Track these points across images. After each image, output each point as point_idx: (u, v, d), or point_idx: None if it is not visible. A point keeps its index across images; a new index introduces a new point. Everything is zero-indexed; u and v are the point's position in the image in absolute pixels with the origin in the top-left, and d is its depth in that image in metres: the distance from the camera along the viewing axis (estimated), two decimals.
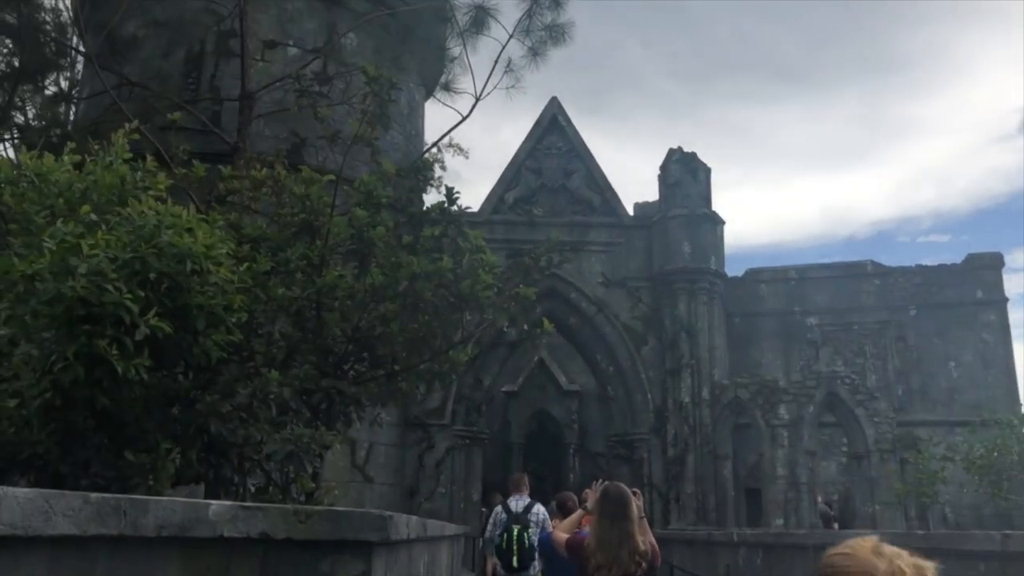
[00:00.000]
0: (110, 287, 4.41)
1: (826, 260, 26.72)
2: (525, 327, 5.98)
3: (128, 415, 4.75)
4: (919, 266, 26.81)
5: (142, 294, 4.54)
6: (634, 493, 5.41)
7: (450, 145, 9.91)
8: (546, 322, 5.96)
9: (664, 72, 75.04)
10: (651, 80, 73.77)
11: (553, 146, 18.87)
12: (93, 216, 4.75)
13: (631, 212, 19.14)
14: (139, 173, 5.51)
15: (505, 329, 5.73)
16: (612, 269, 18.31)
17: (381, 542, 3.43)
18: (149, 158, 5.56)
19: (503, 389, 23.42)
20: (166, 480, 4.62)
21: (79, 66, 13.50)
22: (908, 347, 25.93)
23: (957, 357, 25.44)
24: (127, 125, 5.60)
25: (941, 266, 26.51)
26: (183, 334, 4.65)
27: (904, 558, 1.67)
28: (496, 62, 10.55)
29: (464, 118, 10.74)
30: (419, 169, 5.62)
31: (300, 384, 5.35)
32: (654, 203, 19.22)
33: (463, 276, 5.65)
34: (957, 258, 26.50)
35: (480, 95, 10.45)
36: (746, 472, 21.22)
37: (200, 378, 4.93)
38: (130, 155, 5.69)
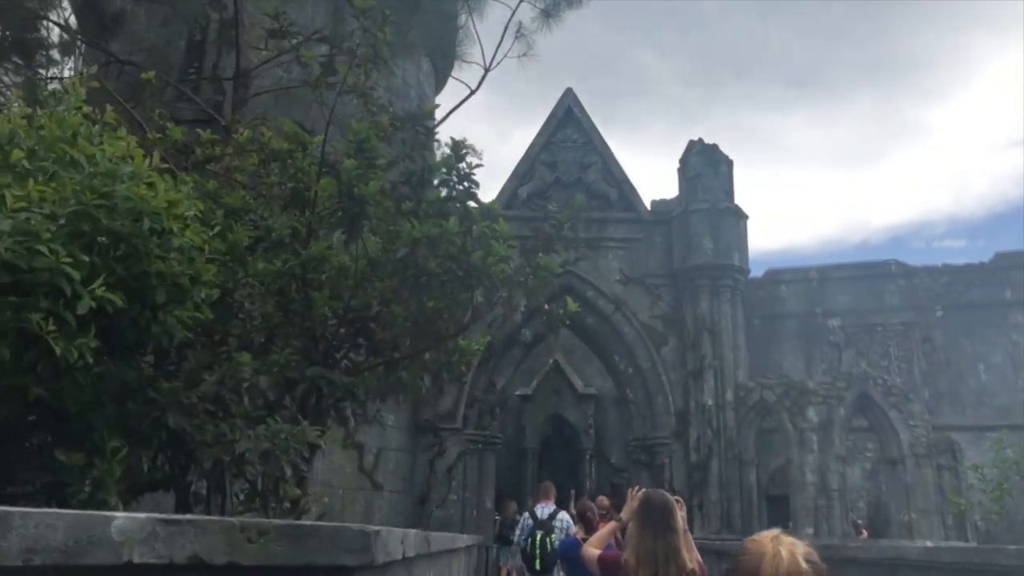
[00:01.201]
0: (43, 248, 3.54)
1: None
2: (546, 306, 5.07)
3: (70, 407, 3.88)
4: (945, 265, 25.72)
5: (87, 259, 3.67)
6: (677, 502, 4.55)
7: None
8: (570, 301, 5.05)
9: (676, 77, 74.16)
10: (663, 85, 72.88)
11: (568, 139, 17.98)
12: (26, 163, 3.88)
13: (648, 209, 18.23)
14: (96, 126, 4.66)
15: (522, 310, 4.75)
16: (631, 266, 17.38)
17: (363, 566, 2.55)
18: (108, 108, 4.68)
19: (517, 392, 22.49)
20: (112, 486, 3.75)
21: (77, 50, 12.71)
22: (935, 349, 24.84)
23: (986, 359, 24.34)
24: (84, 71, 4.77)
25: (968, 265, 25.41)
26: (139, 309, 3.79)
27: (798, 547, 2.11)
28: (506, 28, 9.70)
29: (473, 91, 9.87)
30: (418, 118, 4.74)
31: (280, 372, 4.46)
32: (672, 200, 18.26)
33: (473, 246, 4.76)
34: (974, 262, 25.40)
35: (489, 66, 9.58)
36: (767, 478, 20.25)
37: (161, 363, 4.06)
38: (87, 108, 4.84)
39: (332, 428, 5.35)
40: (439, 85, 17.99)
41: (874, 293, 25.41)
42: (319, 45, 8.39)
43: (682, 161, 17.85)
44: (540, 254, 4.86)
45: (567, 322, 5.07)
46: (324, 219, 4.87)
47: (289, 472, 4.14)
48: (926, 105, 67.29)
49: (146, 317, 3.74)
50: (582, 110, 18.08)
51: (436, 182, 4.80)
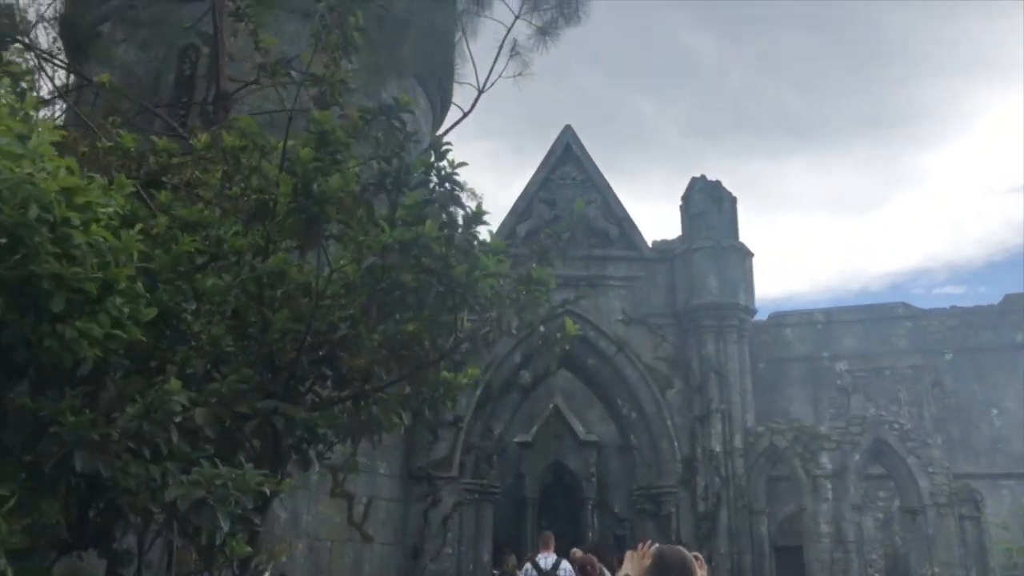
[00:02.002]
0: None
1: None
2: (541, 328, 4.30)
3: None
4: (953, 308, 25.00)
5: None
6: (696, 558, 3.73)
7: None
8: (569, 322, 4.28)
9: (675, 127, 74.27)
10: (662, 134, 72.95)
11: (567, 176, 17.36)
12: None
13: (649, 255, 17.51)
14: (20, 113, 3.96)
15: (513, 331, 3.96)
16: (633, 305, 16.61)
17: None
18: (30, 96, 3.98)
19: (516, 439, 21.53)
20: None
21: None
22: (946, 393, 23.98)
23: (999, 404, 23.46)
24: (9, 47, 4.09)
25: (977, 307, 24.69)
26: (32, 320, 3.04)
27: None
28: (500, 47, 9.06)
29: (466, 113, 9.25)
30: (393, 111, 4.03)
31: (222, 404, 3.69)
32: (674, 240, 17.57)
33: (457, 259, 4.03)
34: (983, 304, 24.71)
35: (483, 87, 8.95)
36: (776, 528, 19.25)
37: (63, 390, 3.29)
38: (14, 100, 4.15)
39: (294, 473, 4.54)
40: (437, 119, 17.46)
41: (881, 336, 24.62)
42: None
43: (684, 198, 17.21)
44: (534, 265, 4.11)
45: (567, 347, 4.29)
46: (286, 229, 4.14)
47: (226, 526, 3.34)
48: (922, 152, 67.23)
49: (44, 329, 2.99)
50: (581, 147, 17.51)
51: (413, 184, 4.08)
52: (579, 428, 21.37)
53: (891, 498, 23.08)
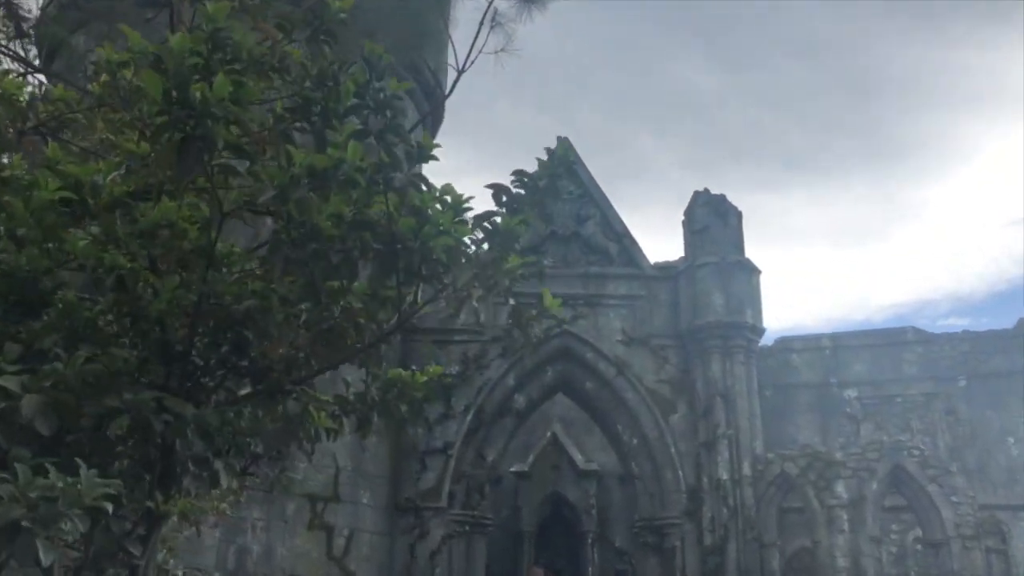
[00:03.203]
0: None
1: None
2: (510, 300, 3.26)
3: None
4: (966, 332, 23.90)
5: None
6: None
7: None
8: (549, 295, 3.22)
9: (674, 160, 73.62)
10: (662, 167, 72.28)
11: (564, 190, 16.40)
12: None
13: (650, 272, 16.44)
14: None
15: (475, 304, 2.91)
16: (633, 326, 15.55)
17: None
18: None
19: (512, 469, 20.34)
20: None
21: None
22: (960, 421, 22.82)
23: (1015, 432, 22.29)
24: None
25: (990, 332, 23.56)
26: None
27: None
28: (482, 22, 8.15)
29: (447, 95, 8.32)
30: (327, 10, 3.05)
31: (73, 392, 2.68)
32: (676, 261, 16.57)
33: (404, 210, 3.04)
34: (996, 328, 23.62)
35: (464, 67, 8.03)
36: (785, 564, 18.00)
37: None
38: None
39: (189, 492, 3.48)
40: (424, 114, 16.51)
41: (892, 362, 23.53)
42: None
43: (687, 213, 16.23)
44: (499, 216, 3.10)
45: (558, 327, 3.25)
46: (157, 157, 3.13)
47: (48, 559, 2.30)
48: (922, 185, 66.41)
49: None
50: (579, 160, 16.57)
51: (343, 112, 3.09)
52: (578, 457, 20.19)
53: (904, 531, 21.81)
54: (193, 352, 3.34)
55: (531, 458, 20.13)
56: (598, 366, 15.32)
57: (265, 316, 3.07)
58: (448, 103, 14.14)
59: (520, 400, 15.41)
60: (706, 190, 15.93)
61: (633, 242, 16.08)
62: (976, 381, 22.92)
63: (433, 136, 16.72)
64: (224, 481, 3.32)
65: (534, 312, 3.23)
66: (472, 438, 14.87)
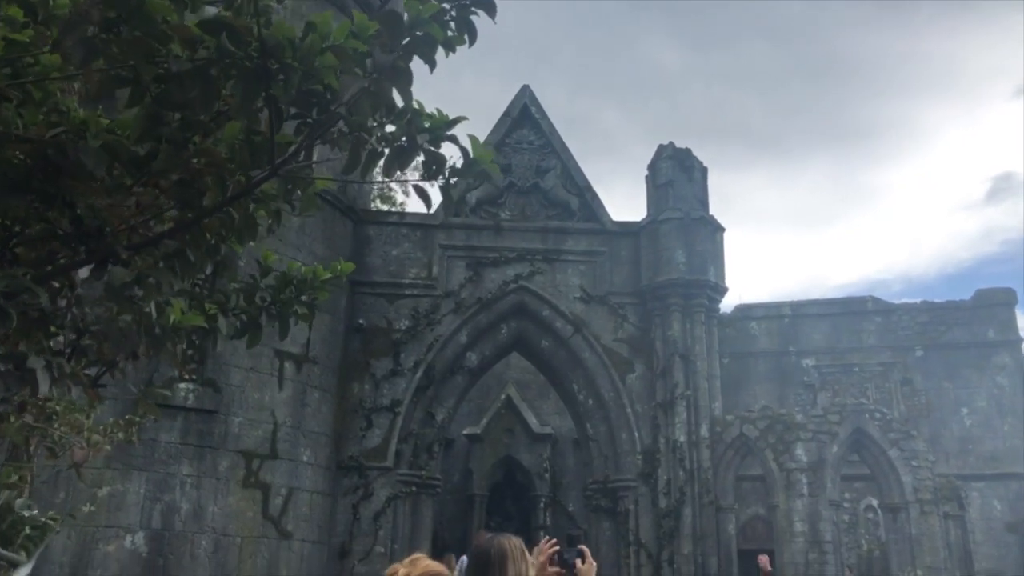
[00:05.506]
0: None
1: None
2: (425, 144, 2.41)
3: None
4: (925, 302, 23.62)
5: None
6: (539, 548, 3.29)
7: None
8: (476, 142, 2.39)
9: (639, 138, 72.91)
10: (626, 145, 71.56)
11: (524, 140, 15.55)
12: None
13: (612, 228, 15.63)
14: None
15: (373, 141, 2.04)
16: (593, 283, 14.83)
17: None
18: None
19: (465, 432, 19.66)
20: None
21: None
22: (915, 391, 22.63)
23: (970, 403, 22.14)
24: None
25: (949, 303, 23.27)
26: None
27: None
28: None
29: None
30: None
31: None
32: (639, 221, 15.84)
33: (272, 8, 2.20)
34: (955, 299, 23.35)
35: None
36: (737, 530, 17.61)
37: None
38: None
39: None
40: None
41: (851, 331, 23.22)
42: None
43: (651, 167, 15.49)
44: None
45: (469, 181, 2.43)
46: None
47: None
48: (880, 170, 66.66)
49: None
50: (540, 110, 15.72)
51: None
52: (533, 421, 19.53)
53: (856, 499, 21.63)
54: None
55: (484, 421, 19.43)
56: (555, 324, 14.59)
57: (81, 151, 2.21)
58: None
59: (472, 358, 14.63)
60: (671, 143, 15.20)
61: (595, 196, 15.32)
62: (933, 352, 22.74)
63: None
64: (43, 386, 2.46)
65: (455, 163, 2.43)
66: (421, 396, 14.09)
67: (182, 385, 11.22)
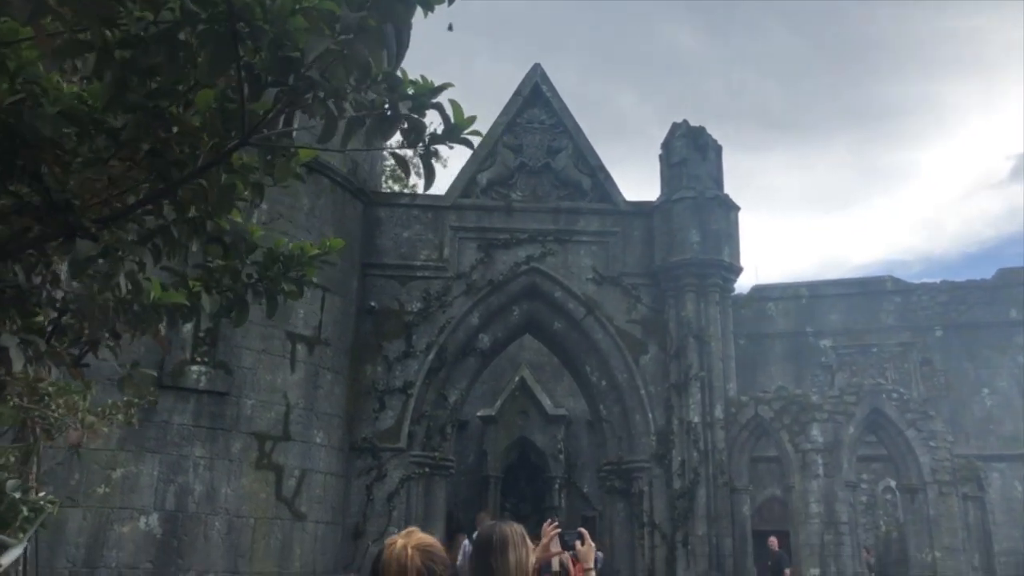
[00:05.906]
0: None
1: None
2: (407, 111, 2.30)
3: None
4: (944, 282, 23.24)
5: None
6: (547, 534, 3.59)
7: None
8: (457, 107, 2.29)
9: (655, 120, 72.30)
10: (643, 127, 70.96)
11: (535, 119, 15.38)
12: None
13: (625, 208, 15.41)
14: None
15: (348, 106, 1.93)
16: (605, 263, 14.69)
17: None
18: None
19: (479, 414, 19.64)
20: None
21: None
22: (935, 372, 22.30)
23: (990, 383, 21.82)
24: None
25: (969, 282, 22.89)
26: None
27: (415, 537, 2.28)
28: None
29: None
30: None
31: None
32: (652, 201, 15.66)
33: None
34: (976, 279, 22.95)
35: None
36: (753, 511, 17.53)
37: None
38: None
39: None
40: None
41: (869, 312, 22.91)
42: None
43: (664, 146, 15.29)
44: None
45: (449, 146, 2.33)
46: None
47: None
48: (901, 150, 65.69)
49: None
50: (552, 88, 15.54)
51: None
52: (547, 402, 19.48)
53: (875, 480, 21.45)
54: None
55: (499, 403, 19.40)
56: (567, 305, 14.49)
57: (40, 118, 2.13)
58: (424, 56, 13.04)
59: (485, 340, 14.57)
60: (685, 121, 14.98)
61: (607, 176, 15.15)
62: (953, 332, 22.39)
63: (398, 63, 15.59)
64: (16, 363, 2.40)
65: (436, 130, 2.32)
66: (433, 378, 14.06)
67: (194, 367, 11.23)
